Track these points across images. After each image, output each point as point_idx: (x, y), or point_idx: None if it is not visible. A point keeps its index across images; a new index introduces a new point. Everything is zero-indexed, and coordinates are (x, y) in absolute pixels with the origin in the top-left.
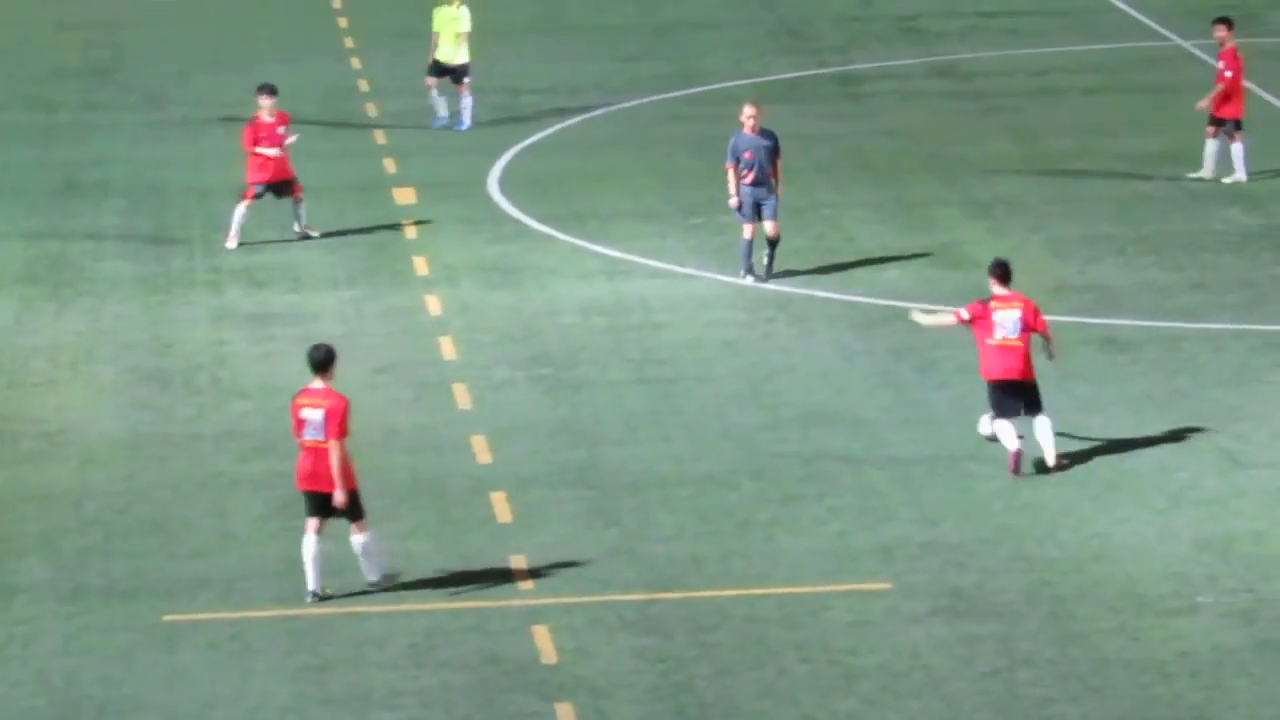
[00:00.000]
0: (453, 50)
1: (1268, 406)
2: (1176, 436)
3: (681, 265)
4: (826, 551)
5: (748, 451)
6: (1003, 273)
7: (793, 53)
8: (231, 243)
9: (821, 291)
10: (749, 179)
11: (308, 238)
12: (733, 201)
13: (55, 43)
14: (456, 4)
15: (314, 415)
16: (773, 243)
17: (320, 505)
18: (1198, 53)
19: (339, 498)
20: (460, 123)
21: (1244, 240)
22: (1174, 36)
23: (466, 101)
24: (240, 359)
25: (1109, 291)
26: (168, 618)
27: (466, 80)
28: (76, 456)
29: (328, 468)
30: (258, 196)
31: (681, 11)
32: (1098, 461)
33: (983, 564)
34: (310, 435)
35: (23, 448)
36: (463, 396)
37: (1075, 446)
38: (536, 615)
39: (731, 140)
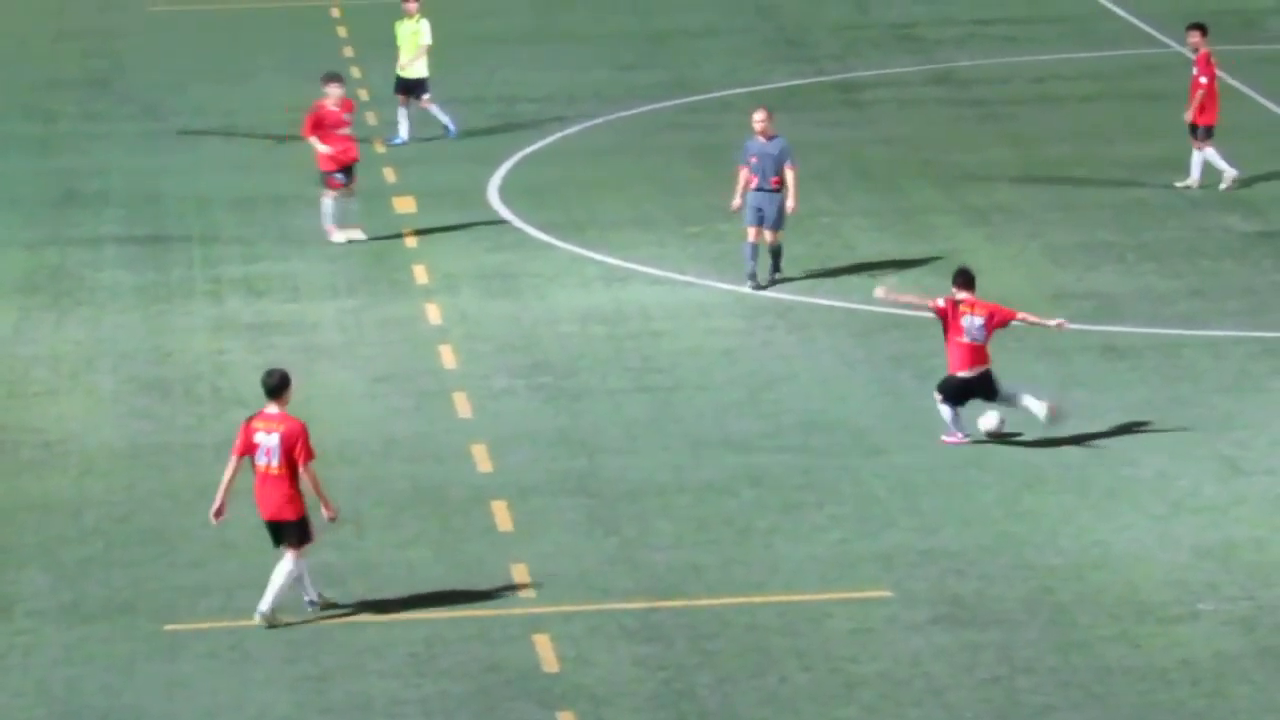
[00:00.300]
0: (413, 64)
1: (1267, 413)
2: (1176, 443)
3: (681, 273)
4: (827, 559)
5: (747, 459)
6: (965, 280)
7: (791, 60)
8: (339, 236)
9: (821, 299)
10: (754, 184)
11: (336, 234)
12: (733, 203)
13: (53, 53)
14: (416, 17)
15: (268, 440)
16: (772, 251)
17: (276, 534)
18: (1215, 61)
19: (329, 515)
20: (449, 132)
21: (1244, 247)
22: (1172, 43)
23: (436, 112)
24: (240, 368)
25: (1108, 298)
26: (168, 627)
27: (426, 95)
28: (76, 466)
29: (280, 495)
30: (341, 184)
31: (679, 20)
32: (1098, 469)
33: (983, 571)
34: (262, 460)
35: (23, 457)
36: (462, 405)
37: (1075, 454)
38: (537, 624)
39: (745, 144)
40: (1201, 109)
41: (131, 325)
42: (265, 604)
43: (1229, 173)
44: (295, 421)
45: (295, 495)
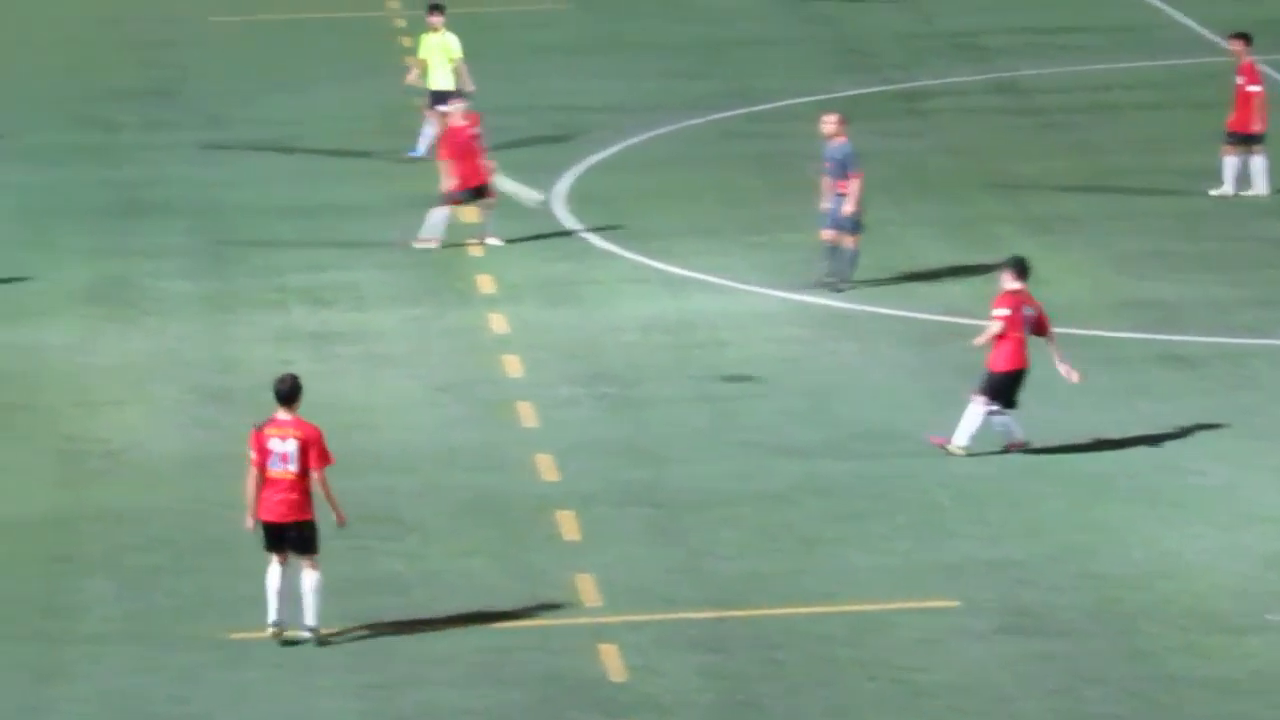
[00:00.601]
0: (448, 77)
1: None
2: (1243, 453)
3: (744, 283)
4: (892, 569)
5: (812, 468)
6: (1022, 269)
7: (853, 70)
8: (432, 243)
9: (884, 308)
10: (829, 189)
11: (485, 244)
12: (822, 205)
13: (116, 62)
14: (442, 31)
15: (284, 446)
16: (844, 256)
17: (280, 538)
18: (1260, 67)
19: (340, 520)
20: (414, 149)
21: None
22: None
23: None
24: (303, 378)
25: (1172, 308)
26: (234, 636)
27: (442, 107)
28: (141, 475)
29: (293, 500)
30: (460, 203)
31: (740, 29)
32: (1164, 478)
33: (1050, 581)
34: (277, 467)
35: (88, 467)
36: (526, 415)
37: (1141, 463)
38: (602, 633)
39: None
40: (1250, 117)
41: (195, 335)
42: (311, 620)
43: (1228, 187)
44: (312, 427)
45: (309, 500)
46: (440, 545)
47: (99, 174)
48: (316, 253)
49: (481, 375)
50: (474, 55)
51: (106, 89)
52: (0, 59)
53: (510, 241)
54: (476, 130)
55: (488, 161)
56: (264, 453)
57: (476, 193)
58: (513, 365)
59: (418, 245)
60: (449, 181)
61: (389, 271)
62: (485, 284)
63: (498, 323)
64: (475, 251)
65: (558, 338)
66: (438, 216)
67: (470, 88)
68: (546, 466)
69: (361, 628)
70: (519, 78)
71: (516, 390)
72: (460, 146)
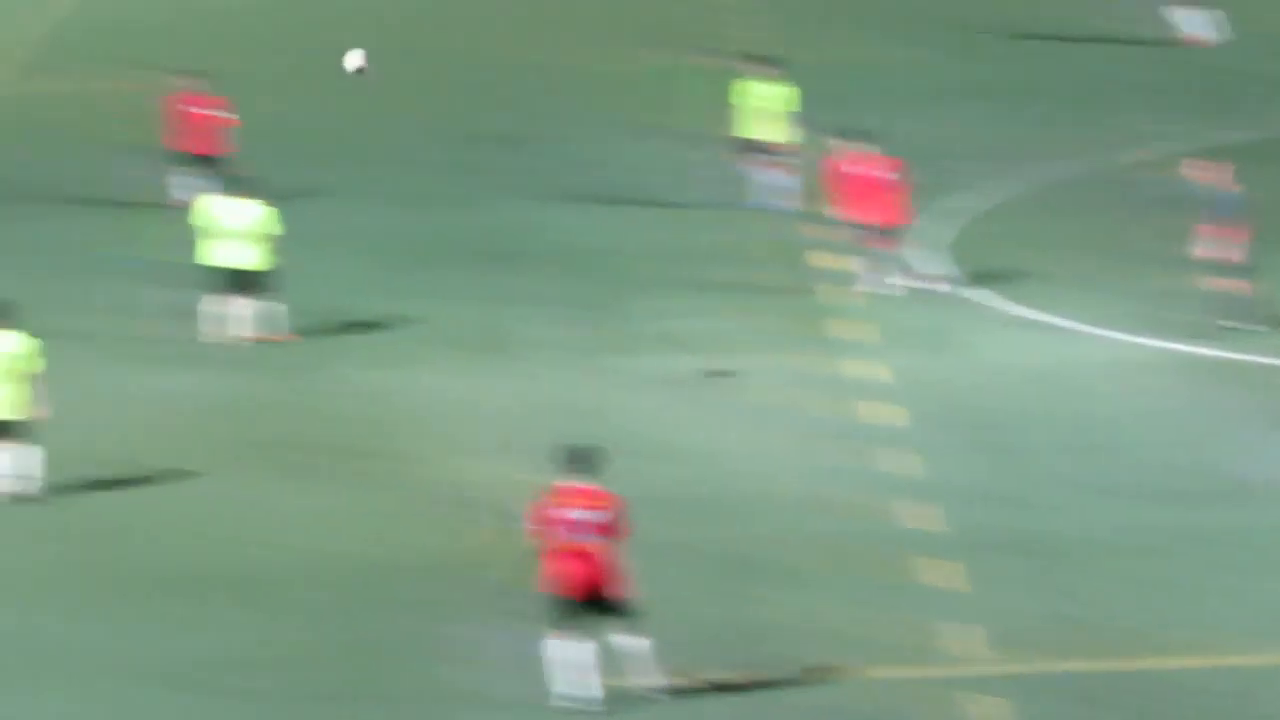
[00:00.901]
0: (773, 128)
1: None
2: None
3: (1120, 330)
4: (1275, 621)
5: (1191, 519)
6: None
7: (1222, 115)
8: (874, 286)
9: (1258, 356)
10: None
11: (894, 290)
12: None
13: (482, 108)
14: (772, 80)
15: (591, 516)
16: (1231, 299)
17: (593, 610)
18: None
19: (625, 597)
20: (770, 201)
21: None
22: None
23: (763, 175)
24: (669, 424)
25: None
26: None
27: (772, 157)
28: (506, 523)
29: (608, 572)
30: (870, 241)
31: (1105, 72)
32: None
33: None
34: (588, 537)
35: (458, 512)
36: (906, 462)
37: None
38: (987, 685)
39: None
40: None
41: (561, 380)
42: (659, 681)
43: None
44: (618, 497)
45: (620, 569)
46: (816, 594)
47: (465, 220)
48: (682, 298)
49: (854, 423)
50: (844, 103)
51: (473, 134)
52: (373, 104)
53: (896, 290)
54: (888, 175)
55: (902, 204)
56: (565, 522)
57: (886, 233)
58: (891, 413)
59: (863, 289)
60: (851, 220)
61: (752, 317)
62: (851, 330)
63: (869, 369)
64: (851, 298)
65: (932, 386)
66: (865, 264)
67: (795, 139)
68: (926, 514)
69: (738, 676)
70: (888, 126)
71: (895, 438)
72: (858, 189)
